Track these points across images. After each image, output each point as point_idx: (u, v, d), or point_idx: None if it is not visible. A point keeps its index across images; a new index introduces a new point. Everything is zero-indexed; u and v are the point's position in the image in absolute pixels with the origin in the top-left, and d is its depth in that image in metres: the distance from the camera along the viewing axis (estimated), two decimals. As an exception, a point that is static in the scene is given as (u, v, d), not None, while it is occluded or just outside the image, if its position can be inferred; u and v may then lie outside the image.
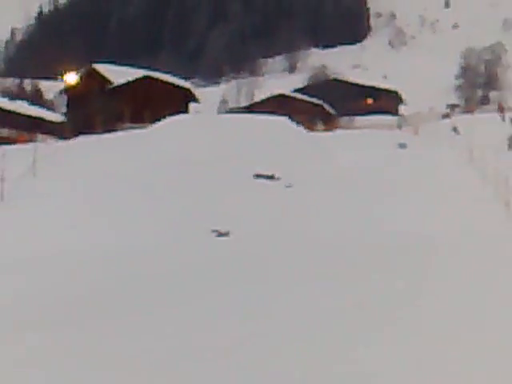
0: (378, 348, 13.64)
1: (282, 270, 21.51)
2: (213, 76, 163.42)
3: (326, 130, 73.45)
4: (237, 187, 35.48)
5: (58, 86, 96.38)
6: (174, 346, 14.75)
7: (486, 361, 12.60)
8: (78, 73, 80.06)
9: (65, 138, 62.27)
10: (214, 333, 15.54)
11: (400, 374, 12.20)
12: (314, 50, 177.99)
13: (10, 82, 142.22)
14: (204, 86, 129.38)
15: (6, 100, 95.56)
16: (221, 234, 27.96)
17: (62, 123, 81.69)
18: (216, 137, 45.84)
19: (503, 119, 73.29)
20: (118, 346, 15.04)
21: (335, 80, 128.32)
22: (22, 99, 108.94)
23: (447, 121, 75.00)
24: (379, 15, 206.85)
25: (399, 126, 66.13)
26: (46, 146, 49.82)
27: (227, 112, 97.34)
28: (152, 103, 70.78)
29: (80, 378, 13.33)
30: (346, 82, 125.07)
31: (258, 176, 36.87)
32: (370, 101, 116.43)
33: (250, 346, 14.37)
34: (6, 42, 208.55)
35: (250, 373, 12.72)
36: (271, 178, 36.93)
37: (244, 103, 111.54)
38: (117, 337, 15.78)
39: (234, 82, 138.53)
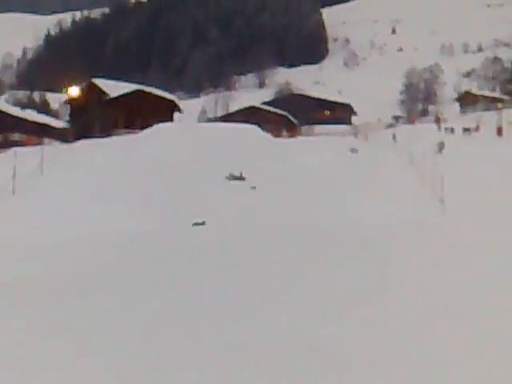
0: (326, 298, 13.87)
1: (249, 250, 21.79)
2: (194, 90, 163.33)
3: (289, 136, 73.40)
4: (212, 186, 35.55)
5: (62, 97, 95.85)
6: (168, 306, 14.88)
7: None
8: (79, 86, 79.66)
9: (68, 142, 62.13)
10: (200, 297, 15.69)
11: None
12: (280, 68, 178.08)
13: (22, 94, 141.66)
14: (186, 99, 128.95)
15: (17, 109, 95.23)
16: (197, 224, 28.11)
17: (65, 129, 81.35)
18: (196, 142, 45.94)
19: (439, 129, 73.64)
20: (120, 312, 15.05)
21: (298, 94, 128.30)
22: (32, 108, 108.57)
23: (392, 130, 75.05)
24: (335, 40, 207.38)
25: (355, 135, 66.31)
26: (52, 148, 49.72)
27: (206, 121, 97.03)
28: (142, 112, 70.62)
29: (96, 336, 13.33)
30: (307, 96, 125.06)
31: (230, 176, 36.87)
32: (327, 112, 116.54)
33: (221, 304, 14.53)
34: (18, 60, 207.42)
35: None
36: (240, 178, 36.78)
37: (220, 113, 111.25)
38: (119, 305, 15.76)
39: (212, 96, 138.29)
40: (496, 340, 11.51)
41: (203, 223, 28.20)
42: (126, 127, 65.23)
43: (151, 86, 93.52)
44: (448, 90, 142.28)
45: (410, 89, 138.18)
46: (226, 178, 36.93)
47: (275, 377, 9.70)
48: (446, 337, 11.56)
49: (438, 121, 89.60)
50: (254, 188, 35.62)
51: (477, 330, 11.82)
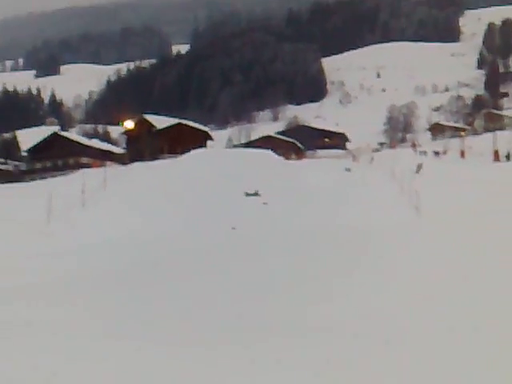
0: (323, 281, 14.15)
1: (270, 246, 22.11)
2: (222, 123, 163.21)
3: (297, 159, 73.24)
4: (235, 199, 35.76)
5: (120, 129, 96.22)
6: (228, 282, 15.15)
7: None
8: (133, 120, 79.94)
9: (125, 164, 62.31)
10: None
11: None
12: (289, 106, 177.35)
13: (88, 127, 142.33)
14: (216, 130, 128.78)
15: (85, 138, 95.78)
16: (233, 228, 28.43)
17: (122, 154, 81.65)
18: (224, 163, 46.07)
19: (415, 152, 73.65)
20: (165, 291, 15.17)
21: (303, 126, 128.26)
22: (96, 138, 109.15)
23: (378, 153, 75.02)
24: (332, 83, 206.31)
25: (353, 158, 66.13)
26: (112, 170, 49.96)
27: (232, 147, 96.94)
28: (182, 141, 70.77)
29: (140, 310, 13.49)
30: (311, 127, 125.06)
31: (248, 194, 36.99)
32: (326, 140, 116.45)
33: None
34: (86, 100, 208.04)
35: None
36: (256, 194, 36.96)
37: (243, 141, 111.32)
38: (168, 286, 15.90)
39: (236, 127, 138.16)
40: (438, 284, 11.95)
41: (234, 228, 28.61)
42: (170, 152, 65.44)
43: (189, 120, 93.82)
44: (421, 122, 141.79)
45: (391, 121, 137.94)
46: (246, 194, 36.98)
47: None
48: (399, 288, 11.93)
49: (413, 146, 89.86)
50: (266, 203, 35.73)
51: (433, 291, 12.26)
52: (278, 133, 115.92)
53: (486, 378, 8.39)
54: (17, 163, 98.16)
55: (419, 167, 43.50)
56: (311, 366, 9.56)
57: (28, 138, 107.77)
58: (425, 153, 72.28)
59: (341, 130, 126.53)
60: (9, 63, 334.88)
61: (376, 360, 9.64)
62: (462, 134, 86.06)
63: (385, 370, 9.22)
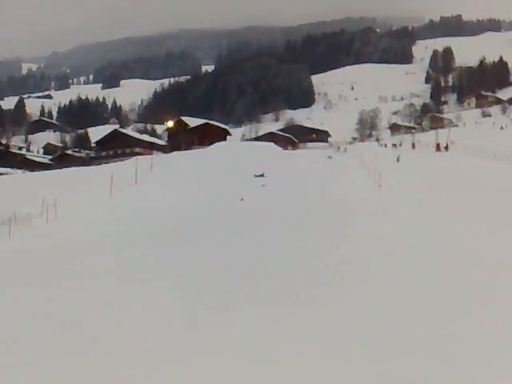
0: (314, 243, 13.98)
1: (270, 214, 21.90)
2: (238, 123, 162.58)
3: (292, 149, 73.00)
4: (246, 179, 35.57)
5: (163, 127, 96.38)
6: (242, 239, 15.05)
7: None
8: (172, 121, 79.83)
9: (166, 153, 62.31)
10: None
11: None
12: (287, 110, 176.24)
13: (140, 125, 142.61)
14: (234, 128, 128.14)
15: (138, 133, 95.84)
16: (241, 199, 28.17)
17: (165, 145, 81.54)
18: (239, 151, 46.08)
19: (379, 144, 73.39)
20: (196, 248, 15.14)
21: (297, 125, 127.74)
22: (146, 133, 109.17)
23: (351, 145, 74.69)
24: (319, 93, 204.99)
25: (340, 149, 64.55)
26: (157, 157, 50.01)
27: (245, 140, 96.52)
28: (208, 136, 70.48)
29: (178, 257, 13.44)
30: (303, 126, 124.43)
31: (256, 175, 36.65)
32: (314, 135, 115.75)
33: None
34: (138, 106, 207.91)
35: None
36: (262, 175, 36.57)
37: (253, 136, 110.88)
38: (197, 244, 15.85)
39: (248, 126, 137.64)
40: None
41: (242, 199, 28.37)
42: (199, 144, 65.23)
43: (213, 120, 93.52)
44: (383, 122, 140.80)
45: (361, 122, 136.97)
46: (254, 175, 36.47)
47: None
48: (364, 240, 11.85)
49: (377, 140, 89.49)
50: (265, 183, 35.47)
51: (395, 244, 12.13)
52: (279, 130, 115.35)
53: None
54: (88, 152, 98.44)
55: (398, 158, 41.81)
56: (307, 285, 9.60)
57: (96, 133, 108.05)
58: (385, 145, 71.92)
59: (325, 128, 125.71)
60: (82, 78, 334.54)
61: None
62: (413, 131, 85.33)
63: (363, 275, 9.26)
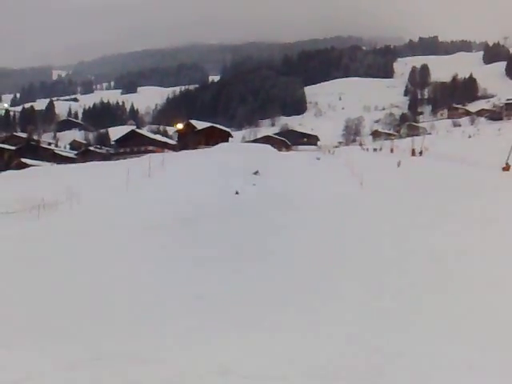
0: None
1: (263, 205, 21.90)
2: (239, 127, 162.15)
3: (286, 151, 73.14)
4: (244, 175, 35.52)
5: (174, 129, 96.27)
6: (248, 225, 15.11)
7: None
8: (182, 123, 79.81)
9: (176, 151, 62.34)
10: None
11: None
12: (282, 117, 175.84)
13: (154, 127, 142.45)
14: (235, 131, 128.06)
15: (152, 134, 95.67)
16: (237, 193, 28.15)
17: (175, 144, 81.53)
18: (238, 152, 45.87)
19: (362, 148, 73.43)
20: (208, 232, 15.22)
21: (291, 130, 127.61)
22: (159, 134, 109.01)
23: (337, 149, 74.72)
24: (310, 103, 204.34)
25: (331, 152, 63.40)
26: (168, 154, 50.02)
27: (245, 142, 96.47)
28: (213, 137, 70.63)
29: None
30: (296, 131, 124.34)
31: (254, 172, 36.15)
32: (305, 139, 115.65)
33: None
34: (153, 110, 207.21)
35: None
36: (257, 173, 36.02)
37: (252, 138, 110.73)
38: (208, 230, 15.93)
39: (248, 130, 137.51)
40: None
41: (238, 193, 28.27)
42: (205, 144, 65.34)
43: (218, 124, 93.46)
44: (366, 129, 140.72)
45: (347, 128, 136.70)
46: (253, 173, 35.91)
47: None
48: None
49: (360, 144, 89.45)
50: (261, 176, 35.29)
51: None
52: (275, 134, 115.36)
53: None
54: (108, 148, 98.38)
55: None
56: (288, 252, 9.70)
57: (115, 132, 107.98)
58: (367, 149, 71.99)
59: (315, 133, 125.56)
60: (105, 85, 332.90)
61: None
62: (392, 137, 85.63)
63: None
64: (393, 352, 6.53)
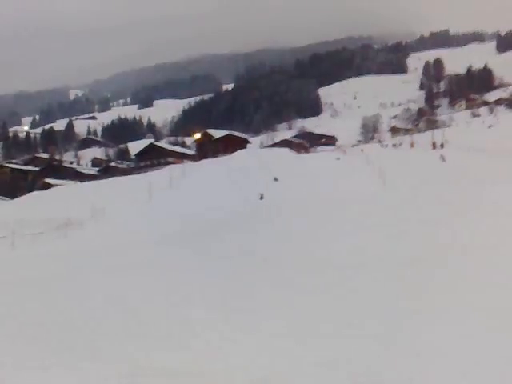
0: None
1: (285, 209, 21.56)
2: (256, 132, 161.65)
3: (305, 153, 72.57)
4: (264, 181, 35.25)
5: (192, 139, 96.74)
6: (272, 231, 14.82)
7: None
8: (200, 133, 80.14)
9: (195, 161, 62.42)
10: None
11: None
12: (299, 119, 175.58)
13: (172, 138, 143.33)
14: (253, 137, 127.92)
15: (171, 145, 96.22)
16: (261, 197, 27.95)
17: (194, 155, 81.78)
18: (257, 158, 45.67)
19: (381, 145, 72.58)
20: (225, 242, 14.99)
21: (308, 132, 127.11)
22: (177, 145, 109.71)
23: (356, 147, 73.89)
24: (326, 103, 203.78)
25: (343, 151, 62.67)
26: (188, 165, 50.13)
27: (263, 147, 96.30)
28: (231, 145, 70.47)
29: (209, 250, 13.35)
30: (313, 133, 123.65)
31: (274, 178, 35.68)
32: (323, 140, 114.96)
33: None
34: (170, 122, 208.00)
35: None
36: (276, 179, 35.39)
37: (269, 143, 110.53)
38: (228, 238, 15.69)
39: (265, 135, 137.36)
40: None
41: (262, 197, 28.05)
42: (223, 153, 65.29)
43: (235, 131, 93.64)
44: (384, 126, 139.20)
45: (364, 126, 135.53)
46: (273, 179, 35.26)
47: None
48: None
49: (379, 141, 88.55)
50: (280, 182, 34.95)
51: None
52: (292, 137, 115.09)
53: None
54: (129, 163, 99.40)
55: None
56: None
57: (135, 147, 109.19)
58: (386, 145, 71.11)
59: (332, 134, 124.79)
60: (121, 101, 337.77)
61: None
62: (411, 132, 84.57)
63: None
64: None
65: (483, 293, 8.15)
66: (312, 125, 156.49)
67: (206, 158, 60.66)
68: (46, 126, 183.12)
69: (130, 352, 6.74)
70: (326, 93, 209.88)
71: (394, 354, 6.36)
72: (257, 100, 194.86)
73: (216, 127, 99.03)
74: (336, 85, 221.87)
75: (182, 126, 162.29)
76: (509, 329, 6.73)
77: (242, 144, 75.47)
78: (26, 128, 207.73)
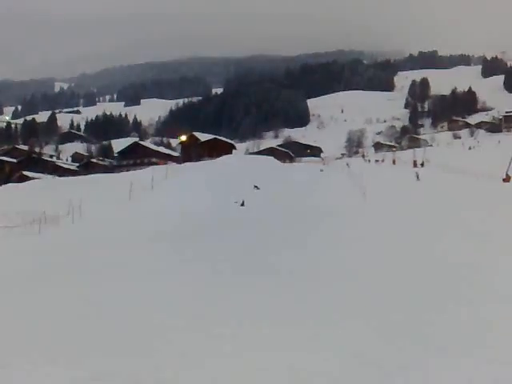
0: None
1: (265, 216, 21.50)
2: (242, 139, 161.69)
3: (290, 163, 73.04)
4: (247, 189, 35.30)
5: (177, 141, 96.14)
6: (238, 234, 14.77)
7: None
8: (185, 135, 79.84)
9: (179, 163, 62.21)
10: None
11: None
12: (285, 129, 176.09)
13: (157, 139, 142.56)
14: (239, 143, 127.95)
15: (155, 146, 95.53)
16: (242, 204, 27.92)
17: (178, 156, 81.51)
18: (243, 164, 45.76)
19: (364, 160, 73.30)
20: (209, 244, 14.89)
21: (294, 142, 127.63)
22: (162, 146, 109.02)
23: (340, 160, 74.67)
24: (313, 115, 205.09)
25: (325, 162, 63.90)
26: (172, 166, 49.82)
27: (248, 154, 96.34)
28: (217, 149, 70.49)
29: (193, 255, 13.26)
30: (299, 143, 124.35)
31: (255, 186, 35.81)
32: (308, 151, 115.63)
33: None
34: (156, 122, 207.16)
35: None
36: (257, 187, 35.45)
37: (255, 150, 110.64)
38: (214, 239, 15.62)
39: (251, 142, 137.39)
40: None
41: (243, 204, 28.06)
42: (208, 157, 65.21)
43: (221, 136, 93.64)
44: (368, 141, 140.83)
45: (349, 140, 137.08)
46: (254, 187, 35.37)
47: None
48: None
49: (363, 156, 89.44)
50: (262, 190, 35.14)
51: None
52: (278, 146, 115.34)
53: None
54: (111, 160, 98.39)
55: (417, 175, 38.76)
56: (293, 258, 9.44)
57: (118, 144, 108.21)
58: (369, 160, 71.93)
59: (317, 145, 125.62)
60: (107, 97, 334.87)
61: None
62: (394, 149, 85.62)
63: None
64: None
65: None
66: (298, 135, 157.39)
67: (191, 160, 60.50)
68: (28, 117, 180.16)
69: (91, 356, 6.62)
70: (314, 104, 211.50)
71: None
72: (245, 106, 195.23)
73: (203, 130, 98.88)
74: (324, 97, 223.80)
75: (169, 126, 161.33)
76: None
77: (227, 149, 75.48)
78: (8, 118, 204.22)
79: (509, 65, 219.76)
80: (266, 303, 8.96)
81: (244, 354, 6.67)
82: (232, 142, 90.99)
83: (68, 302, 9.29)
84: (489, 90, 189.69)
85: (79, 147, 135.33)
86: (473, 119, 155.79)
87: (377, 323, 7.66)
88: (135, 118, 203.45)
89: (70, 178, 52.79)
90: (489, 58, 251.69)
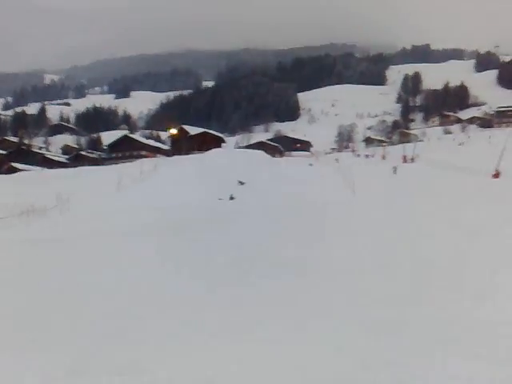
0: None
1: (252, 211, 21.68)
2: (232, 132, 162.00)
3: (279, 157, 73.08)
4: (233, 184, 35.33)
5: (167, 134, 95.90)
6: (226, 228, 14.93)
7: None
8: (175, 129, 79.62)
9: (169, 156, 62.15)
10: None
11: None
12: (276, 123, 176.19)
13: (146, 132, 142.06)
14: (228, 137, 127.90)
15: (144, 139, 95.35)
16: (231, 198, 28.00)
17: (168, 150, 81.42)
18: (232, 158, 45.74)
19: (354, 155, 73.50)
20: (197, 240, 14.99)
21: (284, 136, 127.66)
22: (151, 139, 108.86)
23: (330, 155, 74.90)
24: (303, 109, 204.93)
25: (315, 156, 64.55)
26: (161, 159, 49.81)
27: (238, 147, 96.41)
28: (206, 143, 70.59)
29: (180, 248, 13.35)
30: (289, 137, 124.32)
31: (240, 182, 35.55)
32: (298, 145, 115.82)
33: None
34: (146, 115, 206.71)
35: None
36: (243, 183, 34.92)
37: (245, 144, 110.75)
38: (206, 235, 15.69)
39: (241, 135, 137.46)
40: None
41: (232, 198, 28.24)
42: (198, 150, 65.19)
43: (211, 129, 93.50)
44: (359, 136, 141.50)
45: (340, 135, 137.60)
46: (240, 182, 34.85)
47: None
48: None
49: (353, 151, 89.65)
50: (250, 184, 35.18)
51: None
52: (268, 140, 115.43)
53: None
54: (100, 153, 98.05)
55: (395, 169, 39.38)
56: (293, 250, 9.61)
57: (108, 137, 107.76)
58: (359, 155, 72.32)
59: (308, 139, 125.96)
60: (98, 89, 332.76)
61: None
62: (384, 144, 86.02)
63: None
64: None
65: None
66: (288, 129, 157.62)
67: (181, 154, 60.51)
68: (18, 109, 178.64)
69: (77, 347, 6.77)
70: (305, 98, 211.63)
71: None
72: (236, 100, 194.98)
73: (193, 124, 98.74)
74: (315, 91, 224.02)
75: (159, 119, 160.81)
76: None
77: (217, 143, 75.55)
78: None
79: (502, 59, 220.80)
80: (258, 298, 9.13)
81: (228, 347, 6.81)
82: (222, 135, 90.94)
83: (49, 292, 9.41)
84: (482, 85, 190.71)
85: (69, 139, 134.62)
86: (465, 114, 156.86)
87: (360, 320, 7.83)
88: (125, 111, 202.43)
89: (59, 170, 52.59)
90: (482, 53, 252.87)
